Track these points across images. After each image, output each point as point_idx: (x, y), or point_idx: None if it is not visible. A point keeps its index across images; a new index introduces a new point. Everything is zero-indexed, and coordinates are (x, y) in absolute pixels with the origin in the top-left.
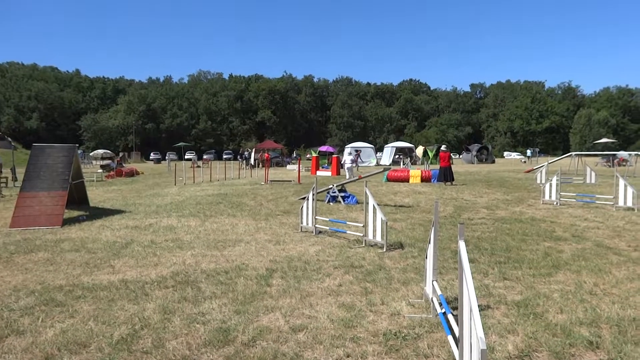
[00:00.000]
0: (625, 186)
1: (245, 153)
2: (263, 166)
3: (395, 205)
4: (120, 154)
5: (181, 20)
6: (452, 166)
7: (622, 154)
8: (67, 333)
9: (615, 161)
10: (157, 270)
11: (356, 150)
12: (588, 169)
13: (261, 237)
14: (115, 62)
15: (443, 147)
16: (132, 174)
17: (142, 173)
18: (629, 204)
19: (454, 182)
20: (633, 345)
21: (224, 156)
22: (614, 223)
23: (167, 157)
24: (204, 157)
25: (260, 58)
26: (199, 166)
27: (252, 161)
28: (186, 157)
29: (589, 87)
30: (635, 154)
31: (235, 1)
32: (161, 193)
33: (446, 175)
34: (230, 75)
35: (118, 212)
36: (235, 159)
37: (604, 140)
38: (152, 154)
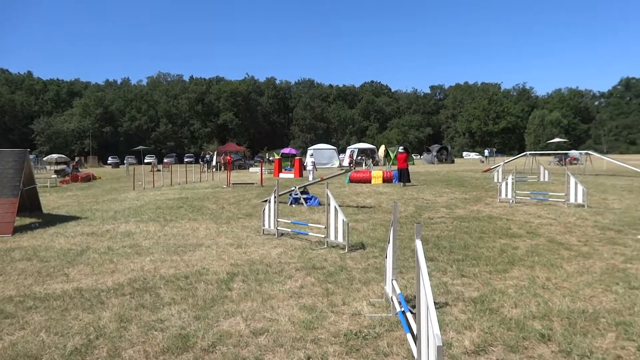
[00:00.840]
0: (576, 184)
1: (207, 156)
2: (225, 169)
3: (357, 206)
4: (76, 159)
5: (138, 21)
6: (412, 167)
7: (574, 153)
8: (16, 346)
9: (567, 160)
10: (114, 277)
11: (351, 152)
12: (542, 168)
13: (222, 241)
14: (70, 64)
15: (400, 149)
16: (88, 179)
17: (100, 178)
18: (580, 200)
19: (409, 183)
20: (582, 336)
21: (185, 159)
22: (565, 219)
23: (125, 161)
24: (165, 160)
25: (221, 60)
26: (159, 170)
27: (214, 164)
28: (146, 161)
29: (542, 88)
30: (586, 153)
31: (194, 2)
32: (119, 198)
33: (402, 176)
34: (191, 77)
35: (73, 218)
36: (196, 162)
37: (556, 140)
38: (110, 158)
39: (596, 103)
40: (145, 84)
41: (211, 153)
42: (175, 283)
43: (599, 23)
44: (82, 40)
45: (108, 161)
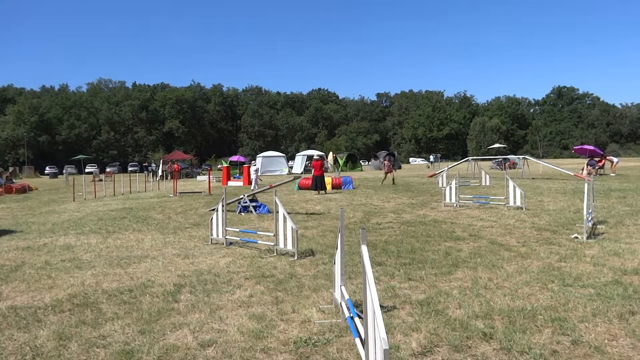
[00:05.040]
0: (515, 187)
1: (152, 166)
2: (172, 178)
3: (306, 213)
4: (10, 169)
5: (79, 24)
6: (361, 173)
7: (512, 157)
8: None
9: (506, 164)
10: (52, 293)
11: (385, 156)
12: (483, 172)
13: (169, 252)
14: (2, 69)
15: (315, 156)
16: (24, 190)
17: (36, 189)
18: (518, 203)
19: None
20: (521, 333)
21: (130, 168)
22: (505, 222)
23: (64, 171)
24: (107, 169)
25: (165, 66)
26: (100, 180)
27: (159, 172)
28: (87, 170)
29: (481, 96)
30: (523, 158)
31: (135, 5)
32: (58, 210)
33: (317, 184)
34: (134, 84)
35: (6, 232)
36: (141, 171)
37: (496, 145)
38: (47, 168)
39: (532, 110)
40: (85, 91)
41: (155, 163)
42: (118, 297)
43: (533, 34)
44: (16, 43)
45: (45, 171)
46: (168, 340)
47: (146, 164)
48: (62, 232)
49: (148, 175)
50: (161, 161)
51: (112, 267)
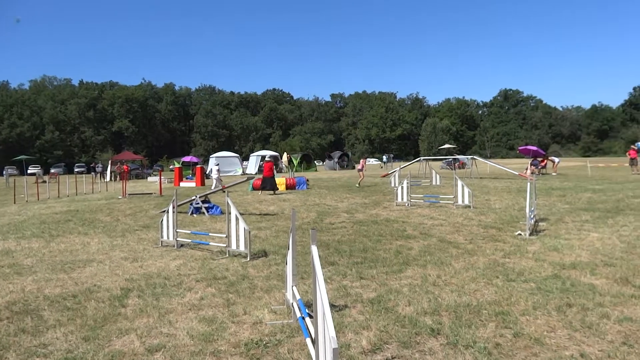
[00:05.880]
0: (463, 187)
1: (98, 167)
2: (120, 179)
3: (260, 214)
4: None
5: (23, 19)
6: (316, 173)
7: (462, 157)
8: None
9: (456, 164)
10: None
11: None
12: (434, 172)
13: (116, 255)
14: None
15: (267, 158)
16: None
17: None
18: (466, 202)
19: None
20: (467, 327)
21: (76, 169)
22: (454, 220)
23: (4, 172)
24: (52, 170)
25: (114, 64)
26: (44, 181)
27: (107, 174)
28: (29, 171)
29: (432, 98)
30: (472, 158)
31: (85, 3)
32: None
33: (265, 185)
34: (81, 82)
35: None
36: (88, 172)
37: (447, 145)
38: None
39: (480, 112)
40: (27, 88)
41: (102, 164)
42: (61, 303)
43: (479, 37)
44: None
45: None
46: (114, 347)
47: (93, 164)
48: (0, 236)
49: (95, 176)
50: (109, 162)
51: (55, 272)
